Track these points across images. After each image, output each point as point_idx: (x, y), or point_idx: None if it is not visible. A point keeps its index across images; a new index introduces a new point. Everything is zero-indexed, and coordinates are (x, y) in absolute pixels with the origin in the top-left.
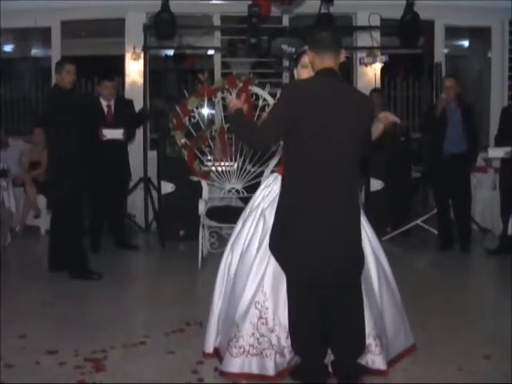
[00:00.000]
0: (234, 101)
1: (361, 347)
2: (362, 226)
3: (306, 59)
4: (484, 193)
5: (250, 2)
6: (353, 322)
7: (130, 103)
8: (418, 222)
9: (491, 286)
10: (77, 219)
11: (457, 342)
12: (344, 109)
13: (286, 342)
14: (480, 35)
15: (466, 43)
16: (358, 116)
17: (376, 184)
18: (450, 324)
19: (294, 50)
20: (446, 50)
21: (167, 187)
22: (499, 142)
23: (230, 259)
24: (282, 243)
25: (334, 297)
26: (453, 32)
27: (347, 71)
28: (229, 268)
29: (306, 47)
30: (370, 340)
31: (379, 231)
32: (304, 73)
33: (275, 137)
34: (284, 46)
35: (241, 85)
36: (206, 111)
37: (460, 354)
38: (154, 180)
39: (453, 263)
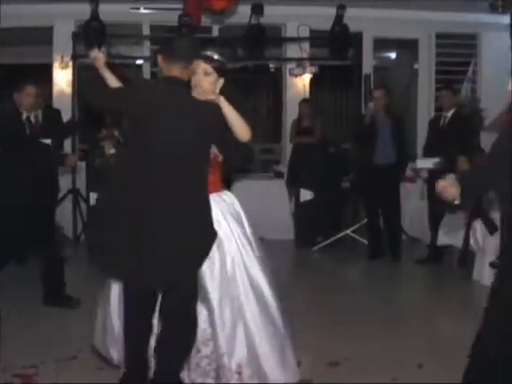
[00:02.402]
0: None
1: (182, 358)
2: (243, 251)
3: (206, 67)
4: (412, 203)
5: (181, 12)
6: (177, 329)
7: (57, 113)
8: (348, 231)
9: (422, 294)
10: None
11: (390, 353)
12: (183, 114)
13: None
14: (407, 47)
15: (393, 55)
16: (200, 120)
17: (306, 194)
18: (382, 334)
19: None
20: (374, 62)
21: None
22: (427, 153)
23: None
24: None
25: (163, 300)
26: (381, 44)
27: (274, 82)
28: None
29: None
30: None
31: (310, 241)
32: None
33: (107, 102)
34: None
35: None
36: None
37: (394, 364)
38: (83, 191)
39: (383, 272)
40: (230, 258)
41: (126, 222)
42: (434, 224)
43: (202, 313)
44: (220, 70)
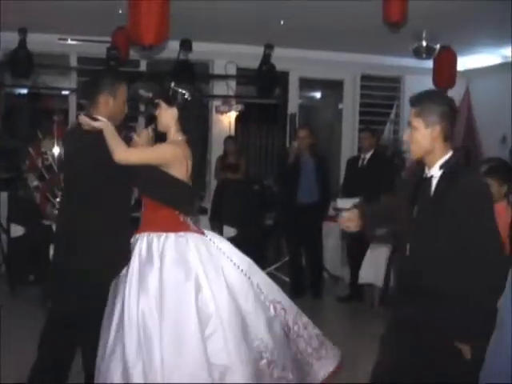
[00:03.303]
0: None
1: None
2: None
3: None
4: (334, 241)
5: (109, 45)
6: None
7: None
8: (271, 269)
9: (344, 332)
10: None
11: None
12: (73, 150)
13: None
14: (332, 87)
15: (318, 94)
16: (85, 155)
17: (229, 231)
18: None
19: (150, 94)
20: (300, 101)
21: (17, 230)
22: (346, 193)
23: None
24: None
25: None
26: (306, 83)
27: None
28: None
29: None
30: None
31: None
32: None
33: None
34: (141, 91)
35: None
36: (58, 152)
37: None
38: (4, 222)
39: (305, 311)
40: None
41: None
42: (354, 262)
43: None
44: None
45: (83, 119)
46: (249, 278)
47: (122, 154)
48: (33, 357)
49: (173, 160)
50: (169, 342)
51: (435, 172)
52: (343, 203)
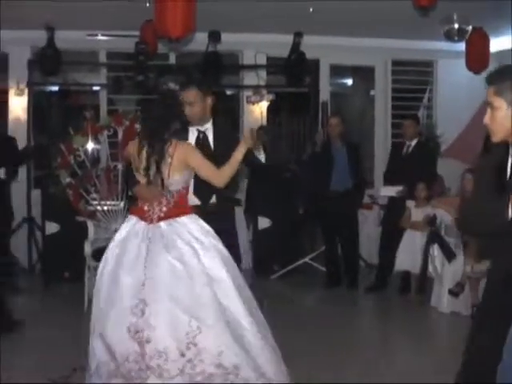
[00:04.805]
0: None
1: None
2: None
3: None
4: (370, 229)
5: (137, 40)
6: None
7: (12, 140)
8: (306, 259)
9: (379, 322)
10: None
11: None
12: None
13: None
14: (363, 74)
15: (349, 81)
16: None
17: (264, 222)
18: (336, 363)
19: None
20: (331, 88)
21: (52, 227)
22: (388, 180)
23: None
24: None
25: None
26: (337, 71)
27: (231, 109)
28: None
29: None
30: None
31: (267, 269)
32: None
33: None
34: (171, 84)
35: (127, 123)
36: (91, 149)
37: None
38: (38, 220)
39: (340, 300)
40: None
41: None
42: (385, 252)
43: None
44: None
45: None
46: None
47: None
48: (70, 354)
49: None
50: None
51: None
52: (387, 191)
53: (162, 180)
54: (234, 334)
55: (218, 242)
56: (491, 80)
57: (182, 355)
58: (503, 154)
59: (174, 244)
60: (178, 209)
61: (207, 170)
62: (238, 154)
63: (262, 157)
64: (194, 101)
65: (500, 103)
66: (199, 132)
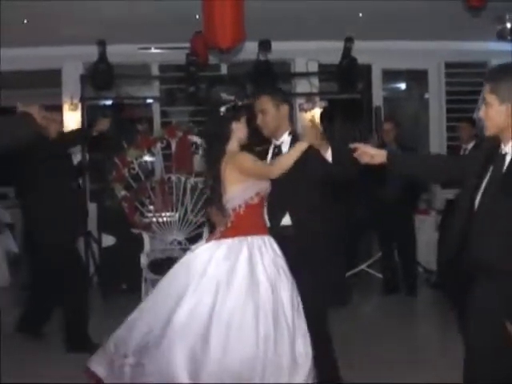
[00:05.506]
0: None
1: None
2: None
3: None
4: (427, 235)
5: (188, 51)
6: None
7: (67, 156)
8: (363, 266)
9: (438, 330)
10: None
11: None
12: None
13: None
14: (416, 77)
15: (402, 86)
16: None
17: None
18: (398, 370)
19: (233, 97)
20: (384, 93)
21: (108, 240)
22: (446, 184)
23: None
24: None
25: None
26: (390, 75)
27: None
28: None
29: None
30: None
31: None
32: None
33: None
34: (223, 94)
35: (180, 134)
36: (146, 161)
37: None
38: (95, 233)
39: (399, 308)
40: None
41: None
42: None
43: None
44: None
45: None
46: None
47: None
48: None
49: None
50: None
51: (509, 149)
52: (445, 194)
53: (220, 196)
54: None
55: None
56: (488, 77)
57: None
58: (493, 146)
59: None
60: (234, 230)
61: (261, 168)
62: (299, 147)
63: (328, 155)
64: (265, 108)
65: (493, 100)
66: (274, 146)
